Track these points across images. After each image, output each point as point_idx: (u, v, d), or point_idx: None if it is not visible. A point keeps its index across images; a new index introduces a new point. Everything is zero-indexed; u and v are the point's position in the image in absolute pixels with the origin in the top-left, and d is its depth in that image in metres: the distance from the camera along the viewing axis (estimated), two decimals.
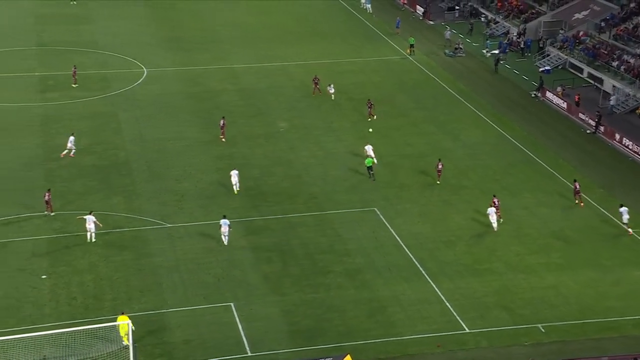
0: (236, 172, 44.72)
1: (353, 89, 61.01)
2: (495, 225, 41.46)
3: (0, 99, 56.44)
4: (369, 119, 53.96)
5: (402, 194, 45.39)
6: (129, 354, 30.65)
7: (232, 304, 35.18)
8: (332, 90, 57.46)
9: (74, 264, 37.70)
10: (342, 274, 37.76)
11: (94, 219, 39.36)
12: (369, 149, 47.92)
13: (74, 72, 59.36)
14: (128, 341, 31.12)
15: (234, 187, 44.43)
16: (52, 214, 41.36)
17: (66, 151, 48.03)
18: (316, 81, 59.35)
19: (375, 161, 47.02)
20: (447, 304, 35.81)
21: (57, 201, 42.55)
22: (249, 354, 32.25)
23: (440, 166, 46.70)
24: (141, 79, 61.36)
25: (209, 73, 63.32)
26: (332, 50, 69.14)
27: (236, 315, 34.44)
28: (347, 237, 40.82)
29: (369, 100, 54.93)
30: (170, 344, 32.58)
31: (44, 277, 36.56)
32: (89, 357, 30.91)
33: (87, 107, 56.08)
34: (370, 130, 52.49)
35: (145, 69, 63.28)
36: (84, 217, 39.52)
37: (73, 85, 58.79)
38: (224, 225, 39.46)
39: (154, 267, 37.73)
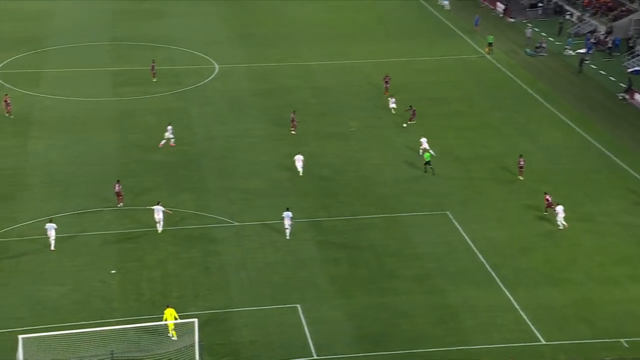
0: (301, 157, 46.16)
1: (428, 88, 60.44)
2: (564, 224, 40.80)
3: (76, 94, 58.41)
4: (405, 125, 53.20)
5: (477, 197, 44.69)
6: (194, 353, 31.18)
7: (298, 306, 35.34)
8: (393, 105, 55.10)
9: (143, 259, 38.61)
10: (411, 278, 37.45)
11: (163, 209, 40.37)
12: (424, 142, 48.11)
13: (153, 67, 60.79)
14: (175, 334, 32.02)
15: (299, 171, 45.84)
16: (121, 204, 42.48)
17: (164, 141, 49.49)
18: (387, 80, 59.03)
19: (434, 153, 46.84)
20: (522, 313, 35.04)
21: (127, 196, 43.68)
22: (315, 357, 32.32)
23: (522, 162, 46.08)
24: (212, 75, 62.40)
25: (281, 70, 63.85)
26: (407, 49, 68.70)
27: (302, 317, 34.58)
28: (417, 240, 40.47)
29: (411, 106, 53.98)
30: (236, 344, 32.97)
31: (113, 271, 37.59)
32: (156, 354, 31.57)
33: (158, 102, 57.40)
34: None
35: (216, 65, 64.31)
36: (153, 207, 40.57)
37: (153, 80, 60.24)
38: (287, 218, 39.92)
39: (222, 265, 38.26)
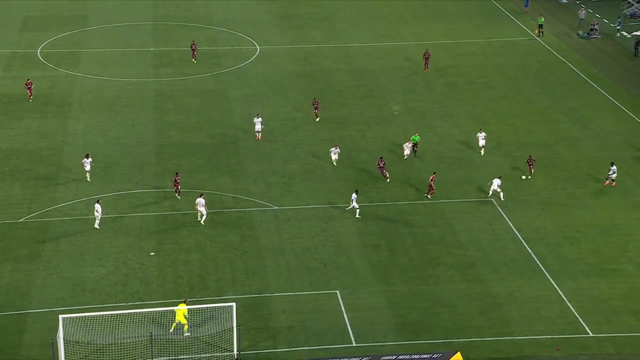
0: (337, 150, 46.22)
1: (472, 71, 60.02)
2: (496, 191, 42.39)
3: (115, 74, 59.34)
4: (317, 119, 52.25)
5: (523, 185, 44.37)
6: (232, 337, 31.72)
7: (337, 292, 35.66)
8: (483, 141, 47.66)
9: (181, 242, 39.29)
10: (453, 267, 37.47)
11: (203, 202, 40.31)
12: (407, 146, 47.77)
13: (194, 48, 61.31)
14: (187, 330, 32.21)
15: (334, 162, 46.14)
16: (179, 197, 42.50)
17: (259, 133, 48.72)
18: (427, 56, 59.02)
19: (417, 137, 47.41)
20: (569, 304, 34.86)
21: (166, 179, 44.43)
22: (354, 344, 32.63)
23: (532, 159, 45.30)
24: (253, 57, 62.76)
25: (322, 52, 63.96)
26: (453, 30, 68.19)
27: (342, 304, 34.89)
28: (460, 228, 40.42)
29: (316, 100, 52.25)
30: (274, 329, 33.44)
31: (152, 254, 38.34)
32: (194, 337, 32.21)
33: (198, 84, 58.02)
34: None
35: (258, 47, 64.66)
36: (196, 200, 40.56)
37: (193, 61, 60.85)
38: (353, 200, 40.98)
39: (260, 250, 38.75)
